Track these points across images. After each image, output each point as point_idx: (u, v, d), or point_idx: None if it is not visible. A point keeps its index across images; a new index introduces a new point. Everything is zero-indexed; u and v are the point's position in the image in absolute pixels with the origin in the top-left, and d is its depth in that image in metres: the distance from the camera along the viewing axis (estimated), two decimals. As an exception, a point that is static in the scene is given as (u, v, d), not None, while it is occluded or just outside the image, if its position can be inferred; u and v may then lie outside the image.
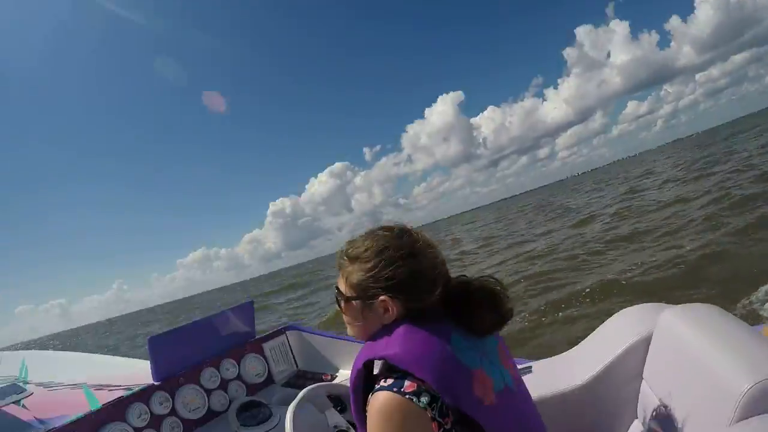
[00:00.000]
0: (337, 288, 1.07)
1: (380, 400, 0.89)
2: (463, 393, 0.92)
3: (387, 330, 1.00)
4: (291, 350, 2.24)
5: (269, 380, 2.07)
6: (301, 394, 1.45)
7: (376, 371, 1.00)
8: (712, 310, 1.29)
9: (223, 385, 1.86)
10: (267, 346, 2.12)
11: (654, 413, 1.25)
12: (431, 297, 1.01)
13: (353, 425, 1.40)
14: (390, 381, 0.91)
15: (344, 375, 1.86)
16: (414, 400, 0.88)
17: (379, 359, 0.96)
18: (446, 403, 0.89)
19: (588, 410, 1.44)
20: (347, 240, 1.08)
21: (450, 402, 0.89)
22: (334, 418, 1.42)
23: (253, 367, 2.01)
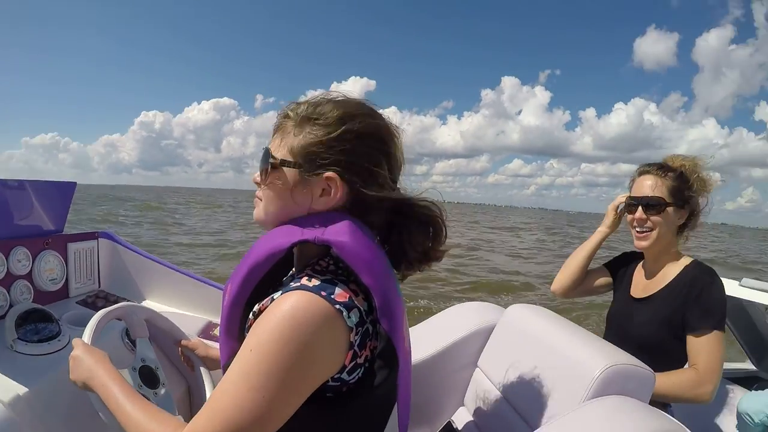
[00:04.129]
0: (268, 151, 0.83)
1: (297, 301, 0.68)
2: (397, 324, 0.76)
3: (317, 218, 0.79)
4: (99, 263, 1.89)
5: (63, 292, 1.71)
6: (119, 305, 1.26)
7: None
8: (546, 310, 1.48)
9: (7, 280, 1.46)
10: (72, 248, 1.75)
11: (488, 398, 1.35)
12: (383, 196, 0.81)
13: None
14: (315, 281, 0.72)
15: (151, 306, 1.62)
16: (344, 313, 0.70)
17: (320, 243, 0.74)
18: (370, 331, 0.74)
19: (419, 389, 1.46)
20: (293, 101, 0.86)
21: (385, 328, 0.74)
22: (145, 350, 1.25)
23: (50, 269, 1.63)
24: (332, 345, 0.69)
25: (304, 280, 0.72)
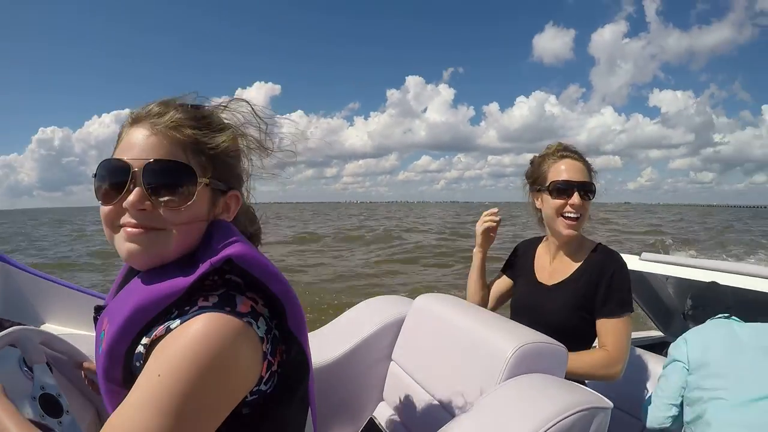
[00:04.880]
0: (185, 165, 0.71)
1: (205, 324, 0.62)
2: (303, 326, 0.74)
3: (207, 235, 0.73)
4: (-10, 287, 1.67)
5: (-52, 319, 1.49)
6: (11, 329, 1.14)
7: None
8: (454, 298, 1.48)
9: None
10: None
11: (406, 390, 1.34)
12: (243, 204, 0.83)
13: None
14: (213, 299, 0.67)
15: (50, 330, 1.47)
16: (253, 324, 0.66)
17: (218, 263, 0.68)
18: (278, 336, 0.71)
19: (336, 388, 1.46)
20: (164, 99, 0.77)
21: (294, 332, 0.71)
22: (44, 377, 1.14)
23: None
24: (248, 359, 0.65)
25: (202, 302, 0.66)
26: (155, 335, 0.66)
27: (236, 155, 0.81)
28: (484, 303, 1.81)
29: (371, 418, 1.46)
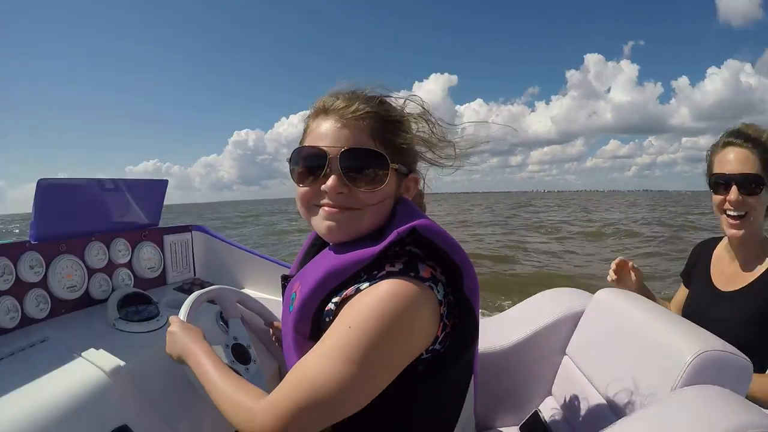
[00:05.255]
0: (378, 153, 0.79)
1: (391, 285, 0.70)
2: (477, 297, 0.78)
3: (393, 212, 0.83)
4: (193, 253, 1.98)
5: (161, 279, 1.80)
6: (213, 287, 1.31)
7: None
8: (635, 294, 1.39)
9: (110, 268, 1.56)
10: (168, 240, 1.84)
11: (576, 387, 1.30)
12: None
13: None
14: (398, 265, 0.73)
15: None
16: (433, 289, 0.72)
17: (404, 233, 0.74)
18: (452, 303, 0.76)
19: (506, 376, 1.46)
20: (347, 91, 0.84)
21: (469, 300, 0.76)
22: (237, 330, 1.29)
23: (148, 257, 1.72)
24: (427, 319, 0.71)
25: (388, 267, 0.73)
26: (345, 294, 0.74)
27: (414, 141, 0.88)
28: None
29: (536, 411, 1.43)
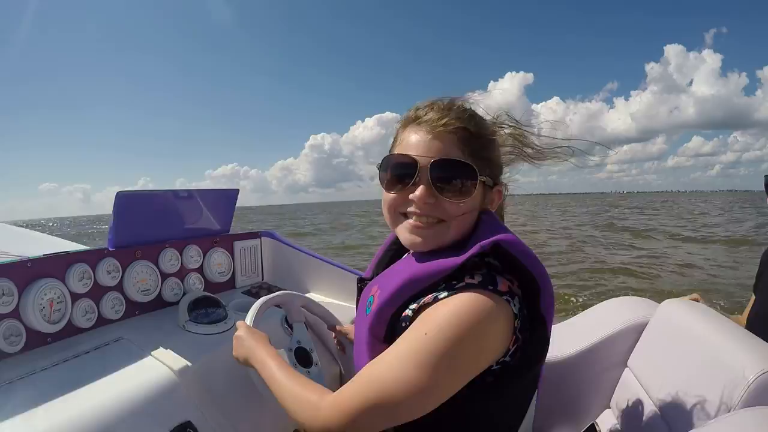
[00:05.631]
0: (467, 165, 0.80)
1: (469, 298, 0.71)
2: (551, 310, 0.79)
3: (476, 223, 0.84)
4: (262, 258, 2.04)
5: (231, 283, 1.88)
6: (279, 293, 1.34)
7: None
8: (703, 306, 1.32)
9: (182, 273, 1.64)
10: (238, 246, 1.91)
11: (636, 402, 1.24)
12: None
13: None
14: (477, 278, 0.74)
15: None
16: (510, 302, 0.73)
17: (487, 247, 0.75)
18: (526, 316, 0.76)
19: (564, 386, 1.41)
20: (441, 101, 0.86)
21: (543, 314, 0.77)
22: (301, 334, 1.30)
23: (218, 263, 1.80)
24: (501, 332, 0.72)
25: (468, 279, 0.74)
26: (423, 302, 0.76)
27: (500, 153, 0.90)
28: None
29: (593, 423, 1.37)
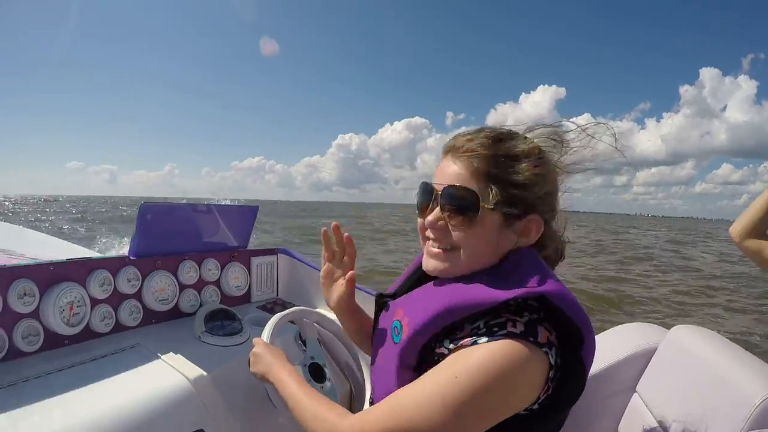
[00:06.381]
0: (470, 191, 0.78)
1: (509, 349, 0.69)
2: (591, 358, 0.79)
3: (515, 264, 0.80)
4: (277, 274, 2.05)
5: (246, 297, 1.89)
6: (293, 309, 1.34)
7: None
8: (712, 332, 1.32)
9: (199, 285, 1.66)
10: (255, 261, 1.92)
11: (644, 428, 1.23)
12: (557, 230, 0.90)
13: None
14: (520, 327, 0.72)
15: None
16: (548, 354, 0.72)
17: (532, 296, 0.73)
18: (559, 364, 0.74)
19: (574, 410, 1.38)
20: (482, 129, 0.84)
21: (584, 357, 0.76)
22: (314, 350, 1.30)
23: (235, 277, 1.81)
24: (533, 384, 0.71)
25: (510, 327, 0.72)
26: (462, 344, 0.74)
27: (536, 180, 0.81)
28: (755, 227, 1.46)
29: None
